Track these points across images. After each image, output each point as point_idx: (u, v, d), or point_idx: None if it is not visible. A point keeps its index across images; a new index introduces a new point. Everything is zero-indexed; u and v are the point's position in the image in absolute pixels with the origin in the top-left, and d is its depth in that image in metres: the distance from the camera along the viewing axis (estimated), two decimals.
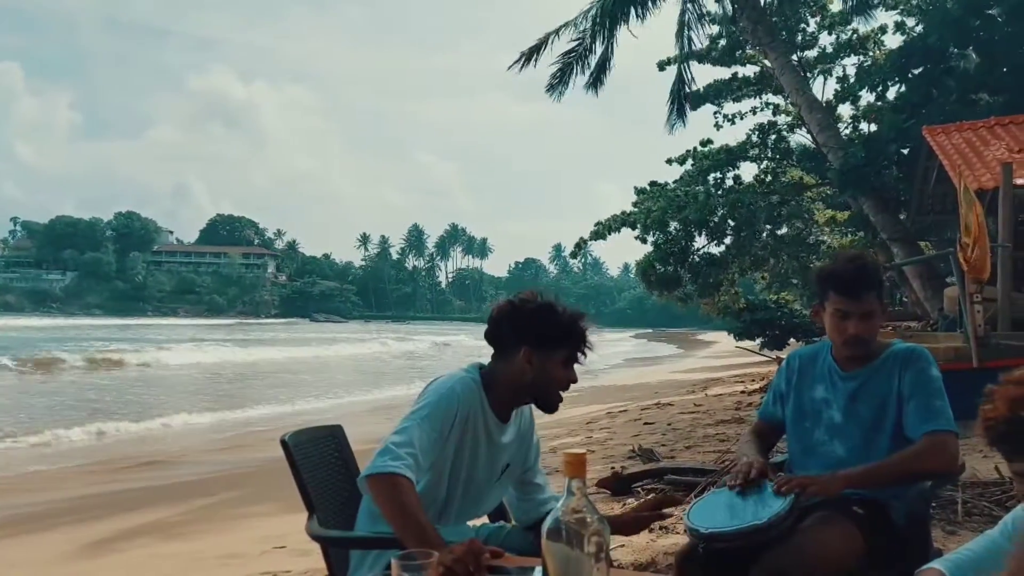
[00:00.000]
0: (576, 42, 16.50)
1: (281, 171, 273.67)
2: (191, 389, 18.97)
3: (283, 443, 2.26)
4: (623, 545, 4.00)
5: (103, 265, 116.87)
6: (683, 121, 17.29)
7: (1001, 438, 1.42)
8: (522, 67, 16.85)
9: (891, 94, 16.27)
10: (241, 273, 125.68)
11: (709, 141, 19.12)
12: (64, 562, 5.06)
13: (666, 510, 2.24)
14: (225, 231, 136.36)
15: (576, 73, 16.65)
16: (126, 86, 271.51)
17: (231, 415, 13.65)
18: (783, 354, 15.26)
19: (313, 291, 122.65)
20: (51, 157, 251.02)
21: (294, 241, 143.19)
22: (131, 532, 5.81)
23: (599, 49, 16.52)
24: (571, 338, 2.07)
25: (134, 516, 6.31)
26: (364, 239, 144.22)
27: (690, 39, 16.63)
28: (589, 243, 19.36)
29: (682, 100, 17.19)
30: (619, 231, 18.44)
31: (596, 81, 16.81)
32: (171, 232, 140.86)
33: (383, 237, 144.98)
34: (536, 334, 2.05)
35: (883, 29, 17.74)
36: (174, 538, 5.58)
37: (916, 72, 14.47)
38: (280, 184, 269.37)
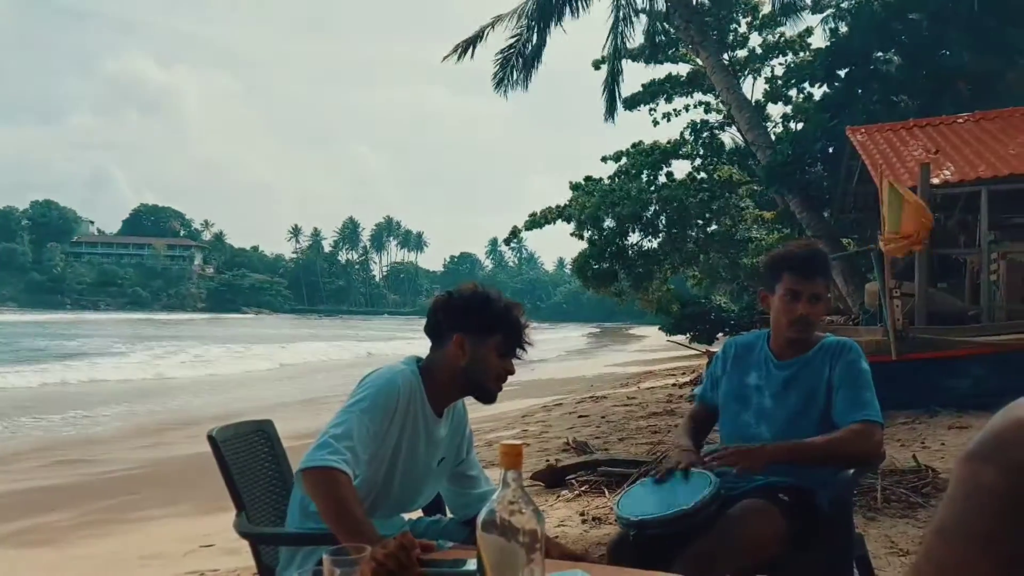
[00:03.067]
0: (514, 38, 16.59)
1: (207, 160, 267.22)
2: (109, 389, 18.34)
3: (210, 438, 2.19)
4: (556, 537, 4.03)
5: (18, 256, 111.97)
6: (614, 118, 17.56)
7: None
8: (459, 58, 16.89)
9: (817, 94, 16.78)
10: (166, 265, 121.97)
11: (640, 143, 19.44)
12: None
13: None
14: (149, 222, 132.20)
15: (517, 68, 16.76)
16: (42, 69, 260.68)
17: (155, 411, 13.25)
18: (713, 348, 15.61)
19: (242, 284, 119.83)
20: None
21: (221, 232, 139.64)
22: (45, 531, 5.57)
23: (534, 45, 16.65)
24: (504, 325, 2.05)
25: (48, 514, 6.05)
26: (295, 231, 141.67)
27: (623, 35, 16.84)
28: (523, 233, 19.44)
29: (614, 96, 17.42)
30: (554, 223, 18.58)
31: (527, 76, 16.96)
32: (92, 222, 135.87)
33: (315, 229, 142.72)
34: (468, 320, 2.04)
35: (809, 31, 18.29)
36: (92, 538, 5.37)
37: (842, 73, 14.94)
38: (206, 174, 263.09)
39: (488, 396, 2.09)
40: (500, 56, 16.73)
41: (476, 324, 2.04)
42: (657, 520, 2.07)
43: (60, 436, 10.75)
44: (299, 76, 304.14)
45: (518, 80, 16.87)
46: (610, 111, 17.38)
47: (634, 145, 19.45)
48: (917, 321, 8.33)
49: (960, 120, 11.61)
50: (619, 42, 16.91)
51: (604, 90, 17.35)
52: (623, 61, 17.45)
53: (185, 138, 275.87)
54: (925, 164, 9.06)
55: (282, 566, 2.08)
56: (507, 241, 22.32)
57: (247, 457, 2.32)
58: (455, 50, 16.84)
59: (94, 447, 9.76)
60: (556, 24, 16.50)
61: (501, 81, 16.83)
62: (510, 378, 2.11)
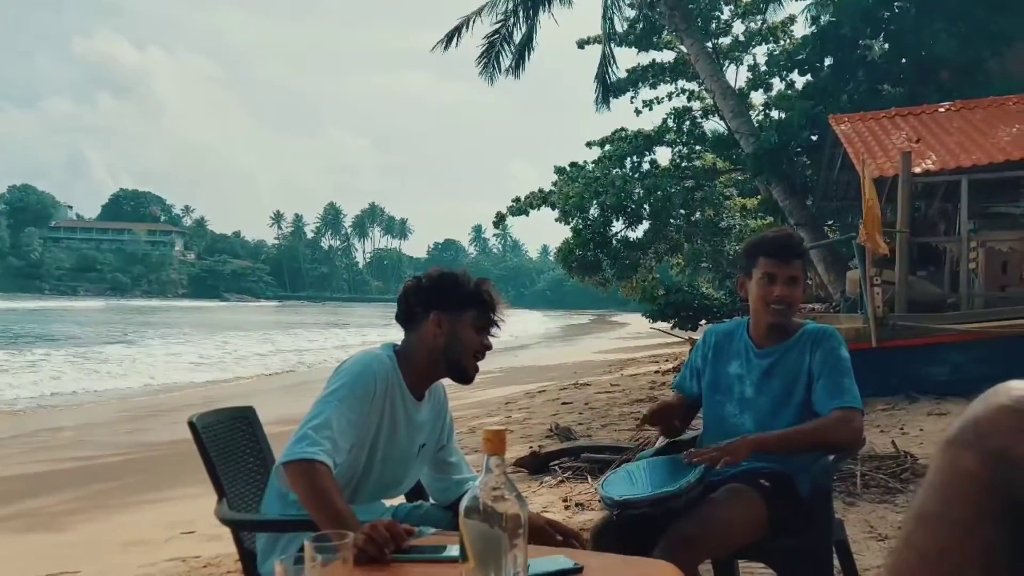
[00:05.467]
0: (499, 23, 16.53)
1: (188, 145, 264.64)
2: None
3: (191, 425, 2.18)
4: None
5: None
6: (608, 104, 17.58)
7: None
8: (446, 47, 16.90)
9: (801, 83, 16.79)
10: (146, 251, 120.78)
11: (623, 129, 19.41)
12: None
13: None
14: (129, 207, 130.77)
15: (503, 55, 16.75)
16: (18, 52, 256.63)
17: (135, 394, 13.16)
18: (696, 335, 15.68)
19: (224, 270, 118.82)
20: None
21: (203, 218, 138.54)
22: (26, 518, 5.53)
23: (522, 31, 16.64)
24: (478, 300, 2.07)
25: (28, 502, 6.01)
26: (278, 217, 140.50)
27: (613, 20, 16.84)
28: (509, 219, 19.39)
29: (607, 82, 17.43)
30: (538, 208, 18.55)
31: (518, 64, 16.93)
32: (70, 207, 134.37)
33: (297, 215, 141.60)
34: (443, 298, 2.06)
35: (792, 19, 18.31)
36: (73, 525, 5.34)
37: (828, 61, 14.94)
38: (187, 159, 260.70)
39: (466, 374, 2.10)
40: (483, 44, 16.72)
41: (450, 302, 2.06)
42: (641, 500, 2.08)
43: (41, 424, 10.65)
44: (280, 61, 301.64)
45: (509, 68, 16.89)
46: (604, 97, 17.43)
47: (615, 132, 19.42)
48: (897, 309, 8.40)
49: (943, 109, 11.67)
50: (609, 28, 16.92)
51: (596, 76, 17.37)
52: (612, 45, 17.47)
53: (165, 124, 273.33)
54: (906, 153, 9.10)
55: (264, 552, 2.07)
56: (496, 224, 22.10)
57: (228, 443, 2.31)
58: (442, 40, 16.86)
59: (76, 433, 9.68)
60: (546, 11, 16.49)
61: (485, 68, 16.81)
62: (494, 366, 2.12)
